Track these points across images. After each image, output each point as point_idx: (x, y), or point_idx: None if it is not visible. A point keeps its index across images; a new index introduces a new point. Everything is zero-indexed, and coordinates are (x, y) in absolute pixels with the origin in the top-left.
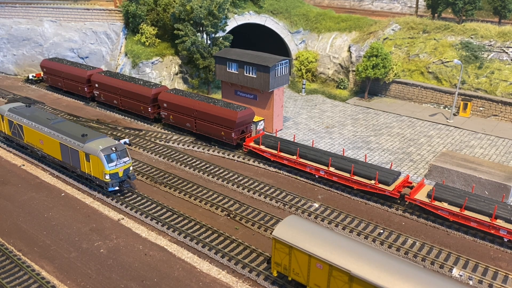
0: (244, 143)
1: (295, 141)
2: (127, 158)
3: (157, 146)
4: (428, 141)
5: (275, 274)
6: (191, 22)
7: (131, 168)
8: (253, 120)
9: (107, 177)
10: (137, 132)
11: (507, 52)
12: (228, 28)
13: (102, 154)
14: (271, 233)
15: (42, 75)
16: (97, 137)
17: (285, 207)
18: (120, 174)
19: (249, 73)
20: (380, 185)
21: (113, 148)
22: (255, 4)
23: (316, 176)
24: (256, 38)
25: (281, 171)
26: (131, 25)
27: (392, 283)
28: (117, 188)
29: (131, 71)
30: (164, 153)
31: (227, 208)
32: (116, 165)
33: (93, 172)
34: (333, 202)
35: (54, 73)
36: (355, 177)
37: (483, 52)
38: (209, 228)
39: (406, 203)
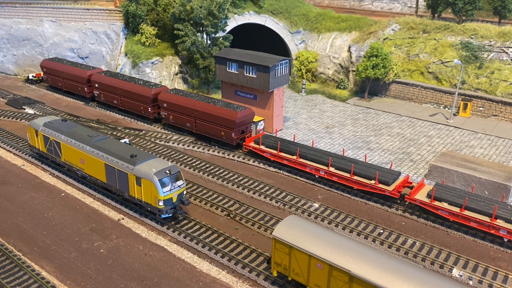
0: (244, 143)
1: (295, 141)
2: (181, 182)
3: (157, 146)
4: (428, 141)
5: (275, 274)
6: (191, 22)
7: (184, 192)
8: (253, 120)
9: (161, 203)
10: (137, 132)
11: (507, 52)
12: (228, 28)
13: (156, 178)
14: (271, 233)
15: (42, 75)
16: (148, 158)
17: (285, 207)
18: (174, 200)
19: (249, 73)
20: (380, 185)
21: (167, 171)
22: (255, 4)
23: (316, 176)
24: (256, 38)
25: (281, 171)
26: (131, 25)
27: (392, 283)
28: (171, 215)
29: (131, 71)
30: (164, 153)
31: (227, 208)
32: (170, 190)
33: (145, 197)
34: (333, 202)
35: (54, 73)
36: (355, 177)
37: (483, 52)
38: (209, 228)
39: (406, 203)
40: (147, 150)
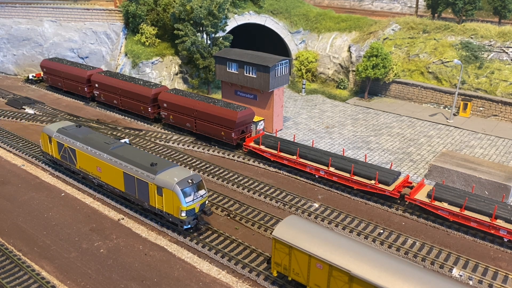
0: (244, 143)
1: (295, 141)
2: (203, 191)
3: (157, 146)
4: (428, 141)
5: (275, 274)
6: (191, 22)
7: (207, 202)
8: (253, 120)
9: (183, 214)
10: (137, 132)
11: (507, 52)
12: (228, 28)
13: (178, 188)
14: (271, 233)
15: (42, 75)
16: (169, 167)
17: (285, 207)
18: (197, 210)
19: (249, 73)
20: (380, 185)
21: (190, 181)
22: (255, 4)
23: (316, 176)
24: (256, 38)
25: (281, 171)
26: (131, 25)
27: (392, 283)
28: (193, 226)
29: (131, 71)
30: (164, 153)
31: (227, 208)
32: (193, 200)
33: (166, 207)
34: (333, 202)
35: (54, 73)
36: (355, 177)
37: (483, 52)
38: (209, 228)
39: (406, 203)
40: (147, 150)
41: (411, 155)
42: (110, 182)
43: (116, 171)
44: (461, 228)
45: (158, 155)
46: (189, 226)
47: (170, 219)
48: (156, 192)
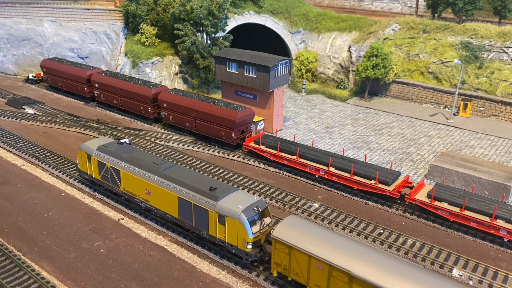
0: (244, 143)
1: (295, 141)
2: (269, 219)
3: (157, 146)
4: (428, 141)
5: (275, 274)
6: (191, 22)
7: (272, 230)
8: (253, 120)
9: (249, 246)
10: (137, 132)
11: (507, 52)
12: (228, 28)
13: (244, 217)
14: (271, 233)
15: (42, 75)
16: (230, 191)
17: (285, 207)
18: (262, 241)
19: (249, 73)
20: (380, 185)
21: (255, 208)
22: (255, 4)
23: (316, 176)
24: (256, 38)
25: (281, 171)
26: (131, 25)
27: (392, 283)
28: (257, 258)
29: (131, 71)
30: (164, 153)
31: None
32: (260, 230)
33: (229, 238)
34: (333, 202)
35: (54, 73)
36: (355, 177)
37: (483, 52)
38: None
39: (406, 203)
40: (147, 150)
41: (411, 155)
42: (161, 207)
43: (169, 196)
44: (461, 228)
45: (158, 155)
46: (255, 258)
47: (233, 251)
48: (217, 220)
